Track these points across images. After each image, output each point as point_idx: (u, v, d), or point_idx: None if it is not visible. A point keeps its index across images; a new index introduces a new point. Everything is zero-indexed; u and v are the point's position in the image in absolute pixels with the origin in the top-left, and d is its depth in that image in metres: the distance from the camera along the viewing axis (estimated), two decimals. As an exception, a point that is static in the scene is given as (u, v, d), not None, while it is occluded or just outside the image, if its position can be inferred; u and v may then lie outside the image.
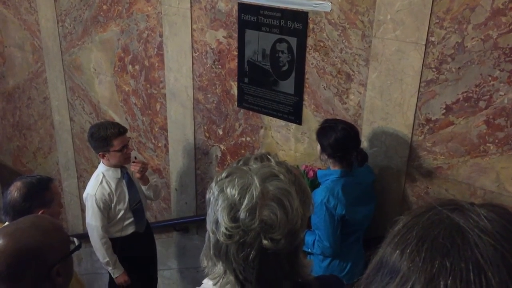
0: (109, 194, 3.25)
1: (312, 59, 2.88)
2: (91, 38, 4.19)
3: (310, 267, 1.15)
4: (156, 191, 3.55)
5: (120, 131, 3.20)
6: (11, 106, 5.39)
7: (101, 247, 3.25)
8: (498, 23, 2.21)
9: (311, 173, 2.84)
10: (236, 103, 3.36)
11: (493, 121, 2.34)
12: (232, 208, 1.05)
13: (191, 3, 3.34)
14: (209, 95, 3.51)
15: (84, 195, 3.31)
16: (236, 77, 3.29)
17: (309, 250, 2.63)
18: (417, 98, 2.53)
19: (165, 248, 4.28)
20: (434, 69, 2.44)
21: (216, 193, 1.09)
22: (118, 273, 3.35)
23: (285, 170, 1.10)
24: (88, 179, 3.40)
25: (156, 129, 4.02)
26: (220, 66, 3.37)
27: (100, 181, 3.25)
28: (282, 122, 3.16)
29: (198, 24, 3.37)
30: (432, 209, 0.72)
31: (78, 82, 4.50)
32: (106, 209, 3.26)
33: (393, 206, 2.78)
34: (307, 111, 3.01)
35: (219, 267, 1.10)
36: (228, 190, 1.07)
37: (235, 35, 3.19)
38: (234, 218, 1.04)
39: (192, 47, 3.46)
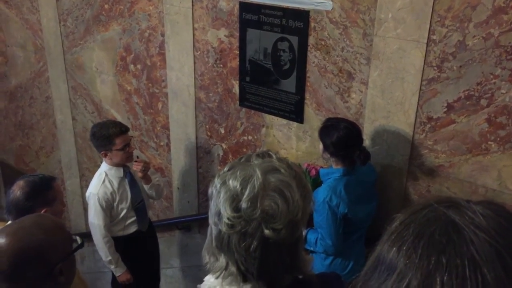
0: (111, 193, 3.25)
1: (313, 57, 2.88)
2: (93, 37, 4.19)
3: (310, 263, 1.16)
4: (158, 190, 3.56)
5: (122, 130, 3.20)
6: (13, 105, 5.40)
7: (103, 245, 3.26)
8: (499, 21, 2.21)
9: (313, 172, 2.84)
10: (237, 102, 3.37)
11: (494, 119, 2.34)
12: (234, 199, 1.07)
13: (192, 2, 3.35)
14: (210, 94, 3.51)
15: (87, 194, 3.32)
16: (238, 76, 3.29)
17: (312, 249, 2.63)
18: (419, 97, 2.53)
19: (168, 247, 4.29)
20: (435, 68, 2.44)
21: (218, 185, 1.11)
22: (120, 272, 3.36)
23: (286, 165, 1.12)
24: (91, 178, 3.41)
25: (158, 128, 4.02)
26: (221, 65, 3.37)
27: (102, 180, 3.25)
28: (283, 121, 3.17)
29: (199, 23, 3.38)
30: (429, 206, 0.73)
31: (80, 81, 4.51)
32: (109, 208, 3.26)
33: (395, 204, 2.78)
34: (309, 110, 3.01)
35: (221, 260, 1.12)
36: (230, 182, 1.08)
37: (237, 34, 3.19)
38: (236, 208, 1.06)
39: (194, 46, 3.47)
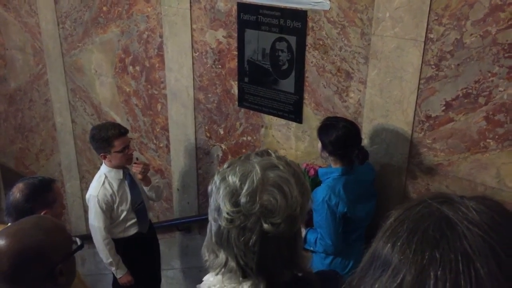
0: (111, 195, 3.26)
1: (311, 57, 2.89)
2: (91, 39, 4.20)
3: (309, 260, 1.18)
4: (158, 191, 3.56)
5: (121, 131, 3.20)
6: (13, 108, 5.40)
7: (104, 247, 3.26)
8: (496, 19, 2.21)
9: (312, 172, 2.84)
10: (236, 102, 3.37)
11: (493, 117, 2.34)
12: (234, 194, 1.08)
13: (190, 3, 3.35)
14: (209, 95, 3.52)
15: (87, 196, 3.32)
16: (237, 76, 3.30)
17: (312, 249, 2.63)
18: (417, 95, 2.53)
19: (168, 248, 4.29)
20: (433, 66, 2.45)
21: (218, 182, 1.13)
22: (121, 274, 3.36)
23: (284, 163, 1.14)
24: (91, 180, 3.41)
25: (158, 130, 4.03)
26: (220, 66, 3.37)
27: (102, 182, 3.26)
28: (282, 121, 3.17)
29: (197, 24, 3.38)
30: (423, 202, 0.74)
31: (79, 84, 4.52)
32: (109, 210, 3.27)
33: (394, 203, 2.77)
34: (308, 110, 3.02)
35: (221, 257, 1.12)
36: (230, 177, 1.10)
37: (235, 34, 3.20)
38: (235, 203, 1.07)
39: (192, 47, 3.47)
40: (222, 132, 3.56)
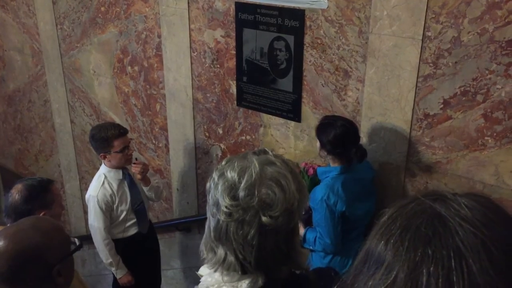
0: (111, 195, 3.26)
1: (309, 56, 2.89)
2: (90, 40, 4.20)
3: (306, 256, 1.18)
4: (158, 192, 3.56)
5: (121, 132, 3.21)
6: (12, 109, 5.41)
7: (104, 248, 3.26)
8: (493, 17, 2.21)
9: (311, 171, 2.85)
10: (235, 102, 3.37)
11: (490, 114, 2.34)
12: (232, 188, 1.09)
13: (188, 3, 3.35)
14: (208, 95, 3.52)
15: (86, 196, 3.32)
16: (235, 76, 3.30)
17: (311, 247, 2.63)
18: (415, 93, 2.53)
19: (168, 248, 4.29)
20: (431, 64, 2.45)
21: (216, 178, 1.13)
22: (121, 274, 3.36)
23: (281, 160, 1.16)
24: (90, 181, 3.41)
25: (156, 130, 4.03)
26: (218, 66, 3.38)
27: (102, 182, 3.26)
28: (281, 120, 3.17)
29: (196, 24, 3.38)
30: (416, 199, 0.74)
31: (78, 84, 4.52)
32: (108, 210, 3.27)
33: (393, 201, 2.77)
34: (306, 109, 3.02)
35: (219, 253, 1.13)
36: (228, 173, 1.11)
37: (233, 34, 3.20)
38: (234, 196, 1.08)
39: (191, 47, 3.47)
40: (221, 132, 3.56)
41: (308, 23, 2.83)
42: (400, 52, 2.51)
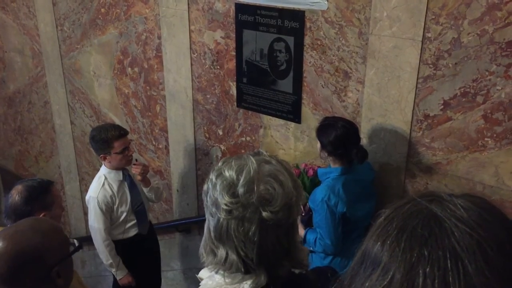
0: (111, 196, 3.26)
1: (309, 57, 2.89)
2: (90, 41, 4.20)
3: (306, 253, 1.19)
4: (158, 193, 3.56)
5: (121, 133, 3.21)
6: (12, 111, 5.41)
7: (104, 249, 3.26)
8: (493, 18, 2.21)
9: (311, 172, 2.85)
10: (235, 103, 3.37)
11: (490, 115, 2.34)
12: (231, 186, 1.10)
13: (188, 4, 3.36)
14: (208, 96, 3.52)
15: (86, 197, 3.32)
16: (235, 77, 3.30)
17: (311, 248, 2.63)
18: (415, 94, 2.53)
19: (168, 249, 4.29)
20: (431, 65, 2.45)
21: (214, 178, 1.14)
22: (122, 275, 3.36)
23: (276, 160, 1.17)
24: (90, 182, 3.41)
25: (157, 131, 4.03)
26: (218, 67, 3.38)
27: (102, 183, 3.25)
28: (281, 121, 3.17)
29: (195, 25, 3.39)
30: (412, 200, 0.74)
31: (78, 86, 4.52)
32: (109, 211, 3.27)
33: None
34: (306, 110, 3.02)
35: (220, 253, 1.13)
36: (226, 172, 1.12)
37: (233, 35, 3.20)
38: (233, 194, 1.09)
39: (190, 48, 3.47)
40: (221, 133, 3.56)
41: (308, 24, 2.83)
42: (400, 53, 2.51)
